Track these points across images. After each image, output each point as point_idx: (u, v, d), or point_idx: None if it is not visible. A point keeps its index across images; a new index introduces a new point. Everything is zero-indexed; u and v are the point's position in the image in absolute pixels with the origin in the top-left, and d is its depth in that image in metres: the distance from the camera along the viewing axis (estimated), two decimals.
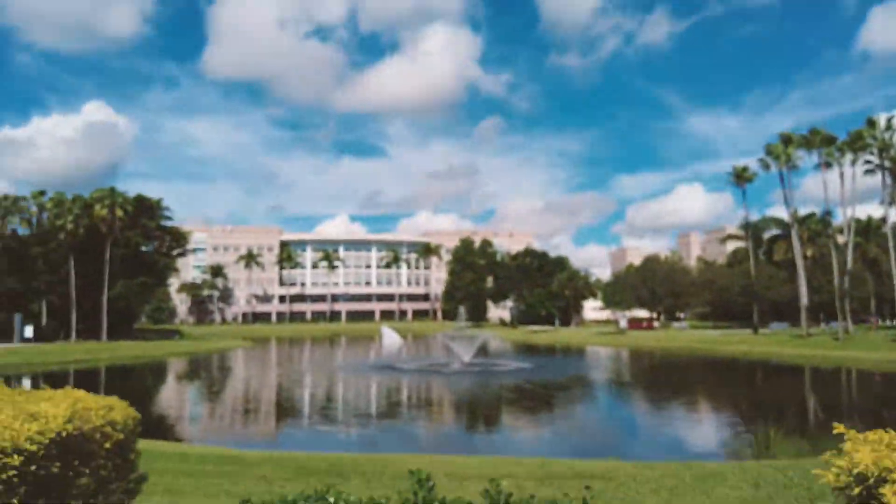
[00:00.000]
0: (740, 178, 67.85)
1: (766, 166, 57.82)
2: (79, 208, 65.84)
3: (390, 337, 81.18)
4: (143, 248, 73.16)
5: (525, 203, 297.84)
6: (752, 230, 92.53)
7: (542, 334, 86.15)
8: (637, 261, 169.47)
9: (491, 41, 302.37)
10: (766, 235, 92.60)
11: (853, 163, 53.47)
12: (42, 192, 70.02)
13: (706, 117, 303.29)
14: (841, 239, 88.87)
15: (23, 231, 71.11)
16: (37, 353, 53.66)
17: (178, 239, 78.48)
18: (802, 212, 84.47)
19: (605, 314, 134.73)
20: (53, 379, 39.51)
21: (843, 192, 54.00)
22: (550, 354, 56.11)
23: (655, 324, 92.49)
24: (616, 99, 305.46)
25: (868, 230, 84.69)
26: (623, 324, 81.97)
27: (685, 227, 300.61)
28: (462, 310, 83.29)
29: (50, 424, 4.52)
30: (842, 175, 53.73)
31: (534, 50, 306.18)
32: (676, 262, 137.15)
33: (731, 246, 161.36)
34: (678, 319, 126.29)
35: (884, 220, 65.84)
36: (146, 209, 73.60)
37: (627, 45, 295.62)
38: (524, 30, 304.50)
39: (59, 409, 4.82)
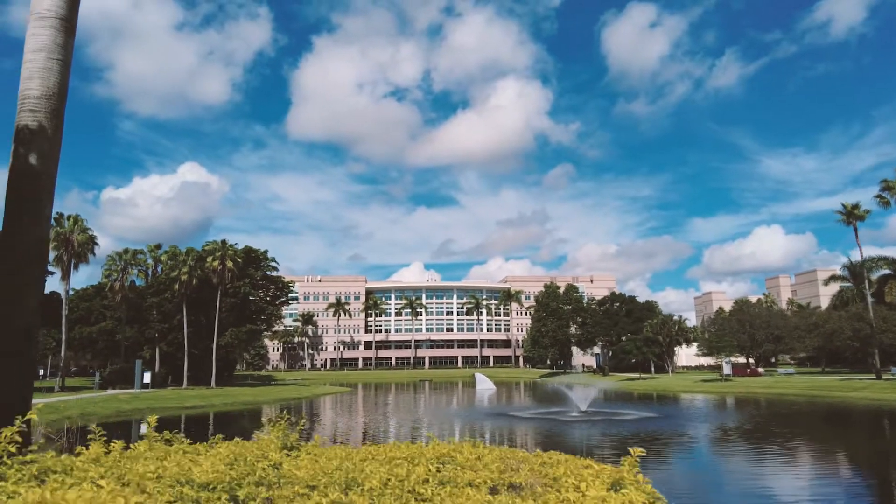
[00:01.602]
0: (851, 215, 65.09)
1: (886, 203, 55.39)
2: (192, 260, 69.29)
3: (483, 382, 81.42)
4: (251, 297, 76.02)
5: (597, 248, 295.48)
6: (859, 270, 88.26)
7: (639, 382, 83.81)
8: (723, 305, 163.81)
9: (560, 92, 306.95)
10: (874, 276, 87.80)
11: None
12: (158, 246, 74.29)
13: (781, 158, 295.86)
14: None
15: (140, 282, 75.24)
16: (156, 398, 56.04)
17: (282, 288, 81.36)
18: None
19: (698, 360, 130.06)
20: (173, 423, 41.19)
21: None
22: (664, 403, 54.34)
23: (760, 370, 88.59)
24: (687, 143, 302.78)
25: None
26: (727, 370, 78.80)
27: (765, 270, 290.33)
28: (604, 358, 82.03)
29: None
30: None
31: (602, 99, 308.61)
32: (771, 305, 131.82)
33: (830, 288, 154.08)
34: (773, 364, 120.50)
35: None
36: (253, 260, 76.79)
37: (697, 89, 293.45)
38: (593, 80, 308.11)
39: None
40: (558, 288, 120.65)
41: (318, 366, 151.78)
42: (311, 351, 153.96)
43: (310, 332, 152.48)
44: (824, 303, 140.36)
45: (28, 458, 4.05)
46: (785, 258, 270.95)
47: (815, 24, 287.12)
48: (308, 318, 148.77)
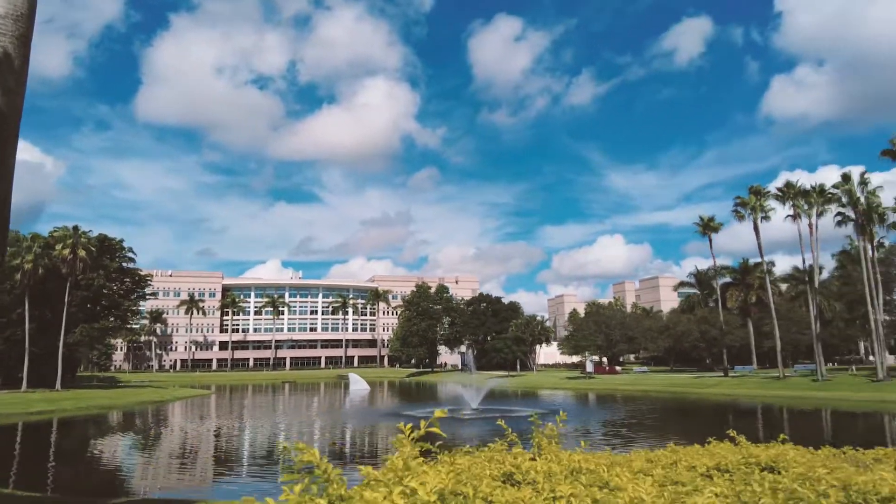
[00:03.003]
0: (707, 227, 71.14)
1: (741, 217, 60.98)
2: (39, 247, 61.62)
3: (358, 383, 79.72)
4: (104, 291, 68.93)
5: (457, 251, 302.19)
6: (703, 278, 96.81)
7: (511, 379, 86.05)
8: (576, 308, 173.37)
9: (428, 97, 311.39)
10: (717, 283, 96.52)
11: (820, 214, 57.02)
12: None
13: (625, 174, 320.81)
14: (784, 287, 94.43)
15: None
16: None
17: (139, 282, 74.52)
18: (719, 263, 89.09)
19: (554, 359, 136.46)
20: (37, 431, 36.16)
21: (813, 241, 57.32)
22: (544, 399, 56.02)
23: (618, 368, 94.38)
24: (543, 155, 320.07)
25: (811, 278, 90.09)
26: (590, 368, 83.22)
27: (606, 276, 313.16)
28: (471, 357, 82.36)
29: None
30: (810, 226, 57.11)
31: (468, 107, 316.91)
32: (621, 308, 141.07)
33: (670, 293, 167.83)
34: (621, 364, 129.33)
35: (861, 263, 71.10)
36: (107, 250, 69.78)
37: (555, 105, 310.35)
38: (459, 87, 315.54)
39: None
40: (429, 288, 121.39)
41: (167, 367, 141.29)
42: (159, 351, 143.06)
43: (158, 331, 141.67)
44: (665, 307, 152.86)
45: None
46: (625, 265, 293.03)
47: (662, 52, 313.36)
48: (157, 316, 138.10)
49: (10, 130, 8.60)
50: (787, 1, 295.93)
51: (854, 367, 74.05)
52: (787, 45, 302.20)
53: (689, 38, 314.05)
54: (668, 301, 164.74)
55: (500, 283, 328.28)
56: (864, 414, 38.85)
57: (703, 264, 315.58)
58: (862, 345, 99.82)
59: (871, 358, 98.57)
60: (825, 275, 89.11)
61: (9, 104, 8.52)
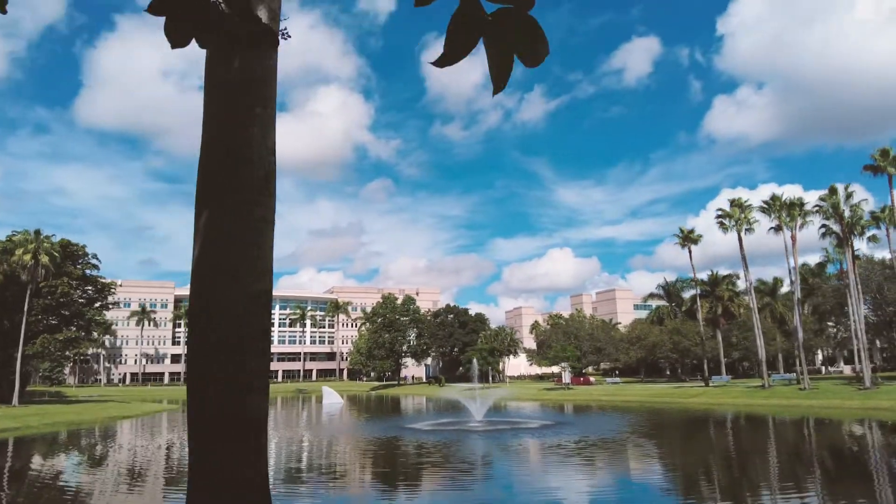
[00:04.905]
0: (687, 239, 72.04)
1: (726, 228, 61.78)
2: None
3: (331, 396, 77.66)
4: (64, 300, 64.60)
5: (409, 262, 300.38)
6: (672, 289, 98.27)
7: (488, 391, 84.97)
8: (536, 320, 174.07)
9: (382, 108, 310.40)
10: (687, 295, 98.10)
11: (801, 227, 58.30)
12: None
13: (574, 189, 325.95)
14: (747, 298, 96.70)
15: None
16: None
17: (102, 290, 70.44)
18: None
19: (519, 370, 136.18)
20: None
21: (795, 252, 58.45)
22: (539, 411, 55.15)
23: (592, 379, 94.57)
24: (494, 169, 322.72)
25: (774, 291, 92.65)
26: (566, 379, 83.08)
27: (555, 289, 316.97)
28: (475, 367, 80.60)
29: None
30: (793, 238, 58.27)
31: (421, 119, 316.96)
32: (583, 320, 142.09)
33: (626, 305, 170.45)
34: (583, 375, 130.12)
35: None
36: (70, 255, 65.75)
37: (506, 120, 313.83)
38: (413, 100, 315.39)
39: None
40: (396, 299, 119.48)
41: (116, 381, 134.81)
42: (107, 364, 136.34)
43: (107, 343, 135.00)
44: (622, 318, 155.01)
45: None
46: (574, 278, 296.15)
47: (612, 70, 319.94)
48: (106, 327, 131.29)
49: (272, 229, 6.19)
50: (728, 24, 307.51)
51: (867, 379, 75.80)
52: (729, 67, 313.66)
53: (637, 56, 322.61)
54: (625, 313, 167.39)
55: (451, 294, 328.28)
56: (875, 422, 39.07)
57: (649, 277, 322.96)
58: (820, 355, 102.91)
59: (828, 368, 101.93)
60: (786, 287, 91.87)
61: (272, 210, 6.15)
